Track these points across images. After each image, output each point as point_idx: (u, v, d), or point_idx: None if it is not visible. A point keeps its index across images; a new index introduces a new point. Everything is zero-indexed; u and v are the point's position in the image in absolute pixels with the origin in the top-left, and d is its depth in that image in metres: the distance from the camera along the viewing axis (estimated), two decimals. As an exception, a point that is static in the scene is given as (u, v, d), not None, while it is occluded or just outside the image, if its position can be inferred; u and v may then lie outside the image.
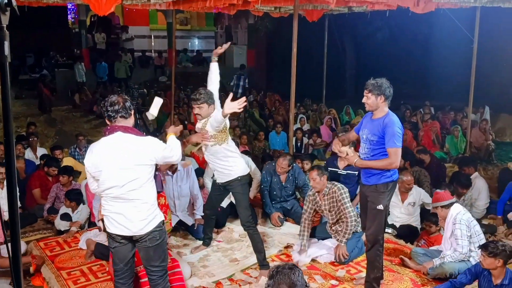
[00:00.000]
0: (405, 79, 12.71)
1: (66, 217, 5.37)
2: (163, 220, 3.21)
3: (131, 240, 3.14)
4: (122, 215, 3.03)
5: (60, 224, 5.34)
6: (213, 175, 4.53)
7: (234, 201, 5.31)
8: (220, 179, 4.28)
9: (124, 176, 2.98)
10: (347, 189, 4.60)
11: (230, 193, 4.57)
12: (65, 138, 10.09)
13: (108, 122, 3.09)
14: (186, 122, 11.21)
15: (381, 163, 3.59)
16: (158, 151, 3.10)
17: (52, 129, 11.28)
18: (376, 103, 3.60)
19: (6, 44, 1.16)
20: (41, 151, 7.43)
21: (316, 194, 4.70)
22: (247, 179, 4.36)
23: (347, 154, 3.72)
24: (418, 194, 5.35)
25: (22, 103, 13.70)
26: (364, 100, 3.66)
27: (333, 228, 4.73)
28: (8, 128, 1.14)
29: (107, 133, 3.06)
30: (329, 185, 4.65)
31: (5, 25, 1.16)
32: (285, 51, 7.80)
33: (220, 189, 4.46)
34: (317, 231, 4.96)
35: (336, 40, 14.38)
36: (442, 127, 9.85)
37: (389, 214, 5.39)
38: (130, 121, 3.10)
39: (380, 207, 3.69)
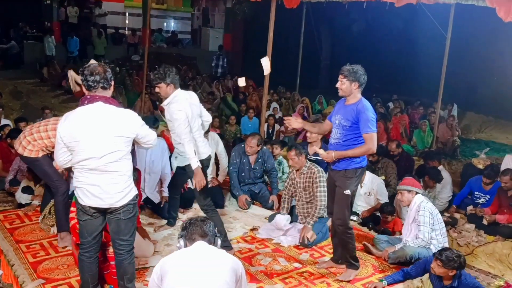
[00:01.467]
0: (378, 72, 12.85)
1: (27, 190, 5.22)
2: (137, 194, 3.16)
3: (103, 212, 3.06)
4: (98, 186, 2.94)
5: (21, 197, 5.20)
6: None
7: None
8: (180, 162, 4.23)
9: (104, 147, 2.88)
10: (324, 173, 4.65)
11: None
12: (31, 111, 9.76)
13: (86, 92, 2.97)
14: (157, 103, 11.03)
15: (359, 150, 3.62)
16: (138, 125, 3.03)
17: (17, 102, 10.91)
18: (349, 89, 3.63)
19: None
20: (5, 122, 7.17)
21: (295, 171, 4.82)
22: (206, 163, 4.23)
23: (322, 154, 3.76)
24: (371, 184, 5.42)
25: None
26: (338, 85, 3.67)
27: (302, 210, 4.78)
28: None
29: (86, 102, 2.93)
30: (309, 164, 4.78)
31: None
32: (261, 37, 7.73)
33: (184, 170, 4.39)
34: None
35: (312, 29, 14.37)
36: (410, 121, 10.05)
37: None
38: (109, 92, 3.02)
39: (348, 192, 3.74)
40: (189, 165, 4.02)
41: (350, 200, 3.81)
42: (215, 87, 12.94)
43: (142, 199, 5.00)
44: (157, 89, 3.92)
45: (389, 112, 10.66)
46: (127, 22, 18.40)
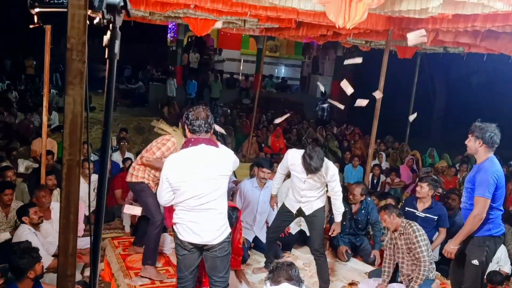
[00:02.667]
0: (498, 128, 11.94)
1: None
2: (230, 232, 3.27)
3: (200, 248, 3.21)
4: (197, 223, 3.09)
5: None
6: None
7: (304, 229, 5.31)
8: (308, 210, 4.30)
9: (207, 186, 3.04)
10: (423, 231, 4.35)
11: (300, 220, 4.56)
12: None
13: (189, 134, 3.16)
14: (263, 145, 11.38)
15: (468, 226, 3.39)
16: (233, 161, 3.20)
17: (140, 137, 11.99)
18: (474, 147, 3.46)
19: (117, 43, 1.28)
20: (128, 156, 7.90)
21: (392, 233, 4.50)
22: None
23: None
24: (498, 251, 4.91)
25: (115, 110, 14.72)
26: (466, 141, 3.56)
27: (407, 272, 4.46)
28: (108, 118, 1.24)
29: (190, 144, 3.11)
30: (404, 224, 4.40)
31: (118, 26, 1.28)
32: (371, 85, 7.66)
33: (289, 215, 4.46)
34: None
35: (426, 79, 13.91)
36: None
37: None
38: (209, 135, 3.20)
39: (475, 262, 3.46)
40: (317, 210, 4.28)
41: (479, 271, 3.50)
42: (319, 133, 12.97)
43: (251, 239, 5.15)
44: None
45: (510, 172, 9.73)
46: (241, 68, 19.53)
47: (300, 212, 4.36)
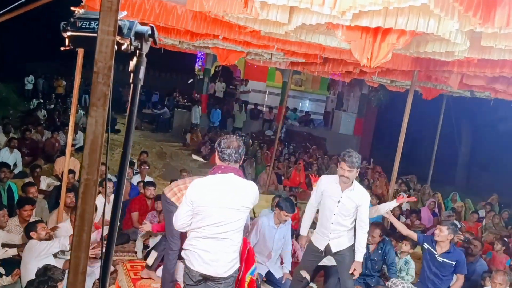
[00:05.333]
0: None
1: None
2: (239, 267, 3.23)
3: (206, 280, 3.15)
4: (209, 253, 3.05)
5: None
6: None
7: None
8: (336, 247, 4.28)
9: (229, 215, 3.02)
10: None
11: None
12: (171, 171, 10.72)
13: (219, 162, 3.12)
14: (282, 177, 11.34)
15: None
16: (257, 195, 3.17)
17: (161, 162, 12.10)
18: None
19: (142, 69, 1.33)
20: (149, 179, 7.94)
21: None
22: None
23: None
24: None
25: (139, 134, 14.92)
26: None
27: None
28: (128, 140, 1.27)
29: (219, 171, 3.08)
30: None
31: (144, 53, 1.33)
32: (394, 125, 7.64)
33: (317, 254, 4.42)
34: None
35: (451, 122, 13.74)
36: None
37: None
38: (238, 165, 3.18)
39: None
40: (346, 249, 4.23)
41: None
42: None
43: (264, 273, 5.08)
44: (347, 173, 4.05)
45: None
46: (266, 99, 19.70)
47: (327, 250, 4.32)
